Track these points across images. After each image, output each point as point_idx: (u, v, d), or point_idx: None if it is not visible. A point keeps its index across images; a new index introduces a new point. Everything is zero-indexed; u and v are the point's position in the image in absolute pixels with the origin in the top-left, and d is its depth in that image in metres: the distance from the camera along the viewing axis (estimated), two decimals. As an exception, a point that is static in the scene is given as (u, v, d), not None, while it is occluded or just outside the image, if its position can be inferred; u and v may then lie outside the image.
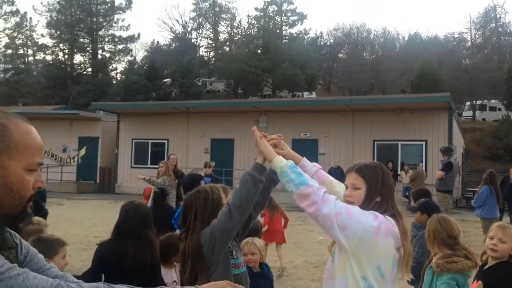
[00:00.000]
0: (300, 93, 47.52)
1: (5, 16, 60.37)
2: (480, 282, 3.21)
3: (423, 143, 20.53)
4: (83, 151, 25.53)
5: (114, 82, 57.24)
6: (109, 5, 57.29)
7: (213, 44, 70.18)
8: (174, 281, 3.69)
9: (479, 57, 54.70)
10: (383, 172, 2.38)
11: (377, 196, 2.32)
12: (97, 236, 10.92)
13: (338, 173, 17.59)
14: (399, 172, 19.36)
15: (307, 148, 21.16)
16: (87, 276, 3.23)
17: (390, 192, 2.38)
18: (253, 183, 2.50)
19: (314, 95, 47.75)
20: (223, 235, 2.52)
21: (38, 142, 1.24)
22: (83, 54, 58.56)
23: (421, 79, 43.25)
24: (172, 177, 8.88)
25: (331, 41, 65.81)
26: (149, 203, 7.95)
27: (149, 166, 23.57)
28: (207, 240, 2.53)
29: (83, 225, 12.66)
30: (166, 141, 24.56)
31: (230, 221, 2.49)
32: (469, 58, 57.54)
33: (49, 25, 56.84)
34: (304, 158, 2.79)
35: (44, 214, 4.39)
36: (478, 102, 44.51)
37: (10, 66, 61.70)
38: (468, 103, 45.33)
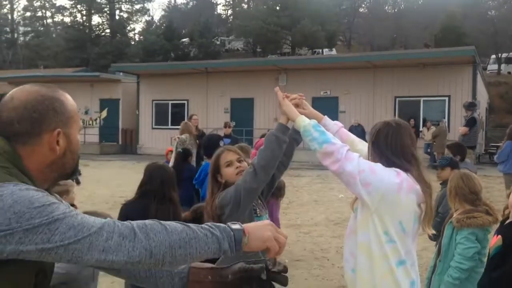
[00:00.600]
0: (320, 50, 46.79)
1: (22, -22, 60.19)
2: (499, 236, 3.22)
3: (446, 98, 20.16)
4: (104, 113, 25.82)
5: (133, 43, 57.09)
6: (124, -37, 56.55)
7: (231, 2, 68.98)
8: None
9: (505, 8, 52.56)
10: (392, 131, 2.36)
11: (386, 153, 2.34)
12: (122, 196, 11.17)
13: (358, 131, 17.46)
14: (421, 129, 19.13)
15: (327, 106, 20.95)
16: None
17: (401, 150, 2.34)
18: (277, 143, 2.55)
19: (334, 51, 46.98)
20: (248, 194, 2.58)
21: (77, 108, 1.48)
22: (100, 15, 58.28)
23: (445, 33, 42.05)
24: (193, 137, 8.94)
25: (352, -6, 63.97)
26: (171, 163, 8.14)
27: (169, 127, 23.78)
28: (232, 199, 2.59)
29: (108, 185, 12.96)
30: (186, 102, 24.62)
31: (255, 181, 2.55)
32: (495, 10, 55.38)
33: (66, -14, 56.53)
34: (326, 116, 2.81)
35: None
36: (504, 55, 43.21)
37: (29, 29, 61.96)
38: (493, 56, 44.08)
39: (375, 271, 2.29)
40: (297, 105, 2.67)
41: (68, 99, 1.42)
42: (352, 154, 2.27)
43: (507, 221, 3.27)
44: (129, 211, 3.50)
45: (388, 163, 2.32)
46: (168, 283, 1.51)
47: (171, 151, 9.50)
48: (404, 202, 2.25)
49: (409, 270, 2.31)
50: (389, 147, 2.34)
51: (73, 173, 1.46)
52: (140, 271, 1.49)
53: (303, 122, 2.41)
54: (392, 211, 2.25)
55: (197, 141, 9.05)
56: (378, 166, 2.27)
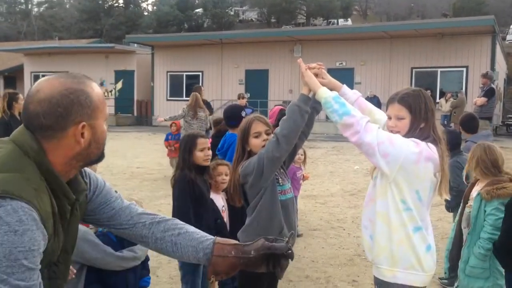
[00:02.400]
0: (335, 21, 46.13)
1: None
2: None
3: (464, 69, 19.86)
4: (119, 85, 25.94)
5: (146, 13, 56.75)
6: None
7: (245, -29, 67.88)
8: (223, 206, 3.83)
9: (527, -25, 51.07)
10: (425, 98, 2.42)
11: (421, 123, 2.37)
12: (139, 167, 11.35)
13: (374, 103, 16.93)
14: (437, 100, 18.91)
15: (342, 78, 20.41)
16: (181, 211, 3.33)
17: (433, 117, 2.42)
18: (299, 113, 2.59)
19: (349, 22, 46.28)
20: (271, 163, 2.63)
21: (104, 97, 1.48)
22: (113, -15, 57.82)
23: (464, 1, 41.07)
24: (192, 108, 9.04)
25: (368, -38, 62.51)
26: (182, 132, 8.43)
27: (184, 98, 23.80)
28: (255, 168, 2.65)
29: (125, 156, 13.13)
30: (200, 73, 24.59)
31: (278, 150, 2.59)
32: (516, -23, 53.84)
33: (78, -44, 55.96)
34: (344, 85, 2.83)
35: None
36: (524, 24, 42.17)
37: None
38: (513, 26, 43.05)
39: (392, 237, 2.36)
40: (316, 75, 2.69)
41: (94, 89, 1.41)
42: (371, 125, 2.30)
43: None
44: (183, 184, 3.48)
45: (421, 130, 2.36)
46: (193, 257, 1.59)
47: (175, 123, 9.71)
48: (422, 172, 2.29)
49: (425, 236, 2.38)
50: (428, 112, 2.39)
51: (98, 160, 1.50)
52: (167, 246, 1.60)
53: (325, 94, 2.45)
54: (409, 181, 2.30)
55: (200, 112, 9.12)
56: (397, 137, 2.31)
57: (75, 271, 2.57)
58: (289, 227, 2.84)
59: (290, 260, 1.54)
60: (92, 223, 1.67)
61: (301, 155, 5.42)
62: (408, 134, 2.37)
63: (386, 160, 2.26)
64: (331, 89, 2.58)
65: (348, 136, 2.33)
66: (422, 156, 2.27)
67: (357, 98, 2.77)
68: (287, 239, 1.57)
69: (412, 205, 2.32)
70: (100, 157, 1.50)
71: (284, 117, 2.65)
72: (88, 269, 2.73)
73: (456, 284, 3.63)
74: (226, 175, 3.69)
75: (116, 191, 1.68)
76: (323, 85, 2.57)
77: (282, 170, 2.89)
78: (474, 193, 3.58)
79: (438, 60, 20.11)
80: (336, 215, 7.23)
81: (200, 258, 1.57)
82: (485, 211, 3.39)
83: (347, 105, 2.39)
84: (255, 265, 1.54)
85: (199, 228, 1.65)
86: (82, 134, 1.37)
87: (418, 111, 2.37)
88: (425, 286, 2.47)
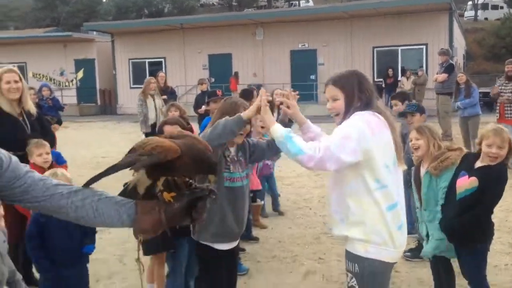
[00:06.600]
0: (297, 2, 46.09)
1: None
2: (474, 179, 3.28)
3: (424, 47, 20.25)
4: (80, 74, 25.25)
5: (104, 0, 55.34)
6: None
7: (204, -46, 66.79)
8: None
9: (482, -48, 52.06)
10: (359, 78, 2.48)
11: (356, 102, 2.43)
12: (104, 157, 11.18)
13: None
14: (399, 78, 19.21)
15: (305, 59, 20.85)
16: None
17: (370, 96, 2.46)
18: (224, 129, 2.72)
19: (311, 3, 46.31)
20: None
21: None
22: (69, -29, 56.02)
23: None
24: (144, 96, 9.45)
25: None
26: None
27: (148, 85, 23.46)
28: None
29: (89, 146, 12.92)
30: (163, 60, 24.25)
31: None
32: (472, -46, 54.80)
33: None
34: (308, 120, 2.86)
35: (51, 138, 4.46)
36: (480, 0, 43.13)
37: (-5, -11, 59.32)
38: (470, 2, 43.98)
39: (366, 216, 2.40)
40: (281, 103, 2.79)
41: None
42: (324, 150, 2.28)
43: (480, 165, 3.35)
44: None
45: (356, 109, 2.42)
46: (117, 220, 1.55)
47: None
48: (382, 141, 2.36)
49: (399, 213, 2.44)
50: (362, 93, 2.45)
51: None
52: (89, 213, 1.54)
53: (277, 132, 2.42)
54: (377, 156, 2.34)
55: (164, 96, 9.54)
56: (347, 130, 2.33)
57: None
58: (235, 215, 2.91)
59: (213, 196, 1.59)
60: (6, 200, 1.56)
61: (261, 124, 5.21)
62: (346, 114, 2.44)
63: (356, 155, 2.30)
64: (295, 122, 2.80)
65: (311, 168, 2.35)
66: (372, 125, 2.33)
67: (320, 133, 2.82)
68: (207, 184, 1.63)
69: (386, 181, 2.37)
70: None
71: (216, 125, 2.76)
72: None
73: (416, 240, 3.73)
74: None
75: (26, 165, 1.58)
76: (289, 116, 2.78)
77: (241, 159, 2.94)
78: (422, 173, 3.67)
79: (398, 39, 20.41)
80: (302, 195, 7.34)
81: (125, 220, 1.54)
82: (437, 184, 3.50)
83: (297, 143, 2.34)
84: (180, 217, 1.55)
85: None
86: None
87: (350, 91, 2.44)
88: (396, 262, 2.57)
